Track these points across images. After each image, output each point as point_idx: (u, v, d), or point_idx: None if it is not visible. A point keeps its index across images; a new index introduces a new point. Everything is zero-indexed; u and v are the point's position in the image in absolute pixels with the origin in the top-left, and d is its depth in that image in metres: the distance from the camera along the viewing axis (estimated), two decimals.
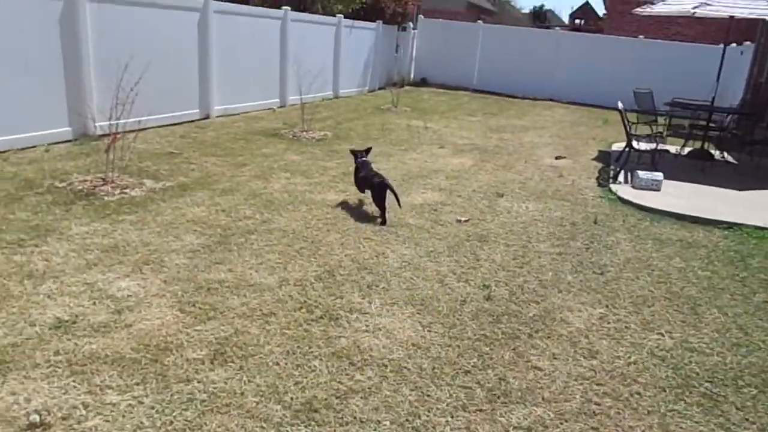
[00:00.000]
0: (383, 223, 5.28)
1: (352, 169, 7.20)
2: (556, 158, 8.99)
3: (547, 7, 65.47)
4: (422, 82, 19.54)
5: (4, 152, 6.72)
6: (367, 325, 3.51)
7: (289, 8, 12.42)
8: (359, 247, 4.72)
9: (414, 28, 19.48)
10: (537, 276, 4.46)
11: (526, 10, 64.67)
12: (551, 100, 17.73)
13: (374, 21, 16.79)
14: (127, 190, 5.80)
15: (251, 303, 3.66)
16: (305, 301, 3.74)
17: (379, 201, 5.37)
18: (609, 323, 3.81)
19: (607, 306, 4.05)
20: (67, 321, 3.29)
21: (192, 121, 9.80)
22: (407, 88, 18.41)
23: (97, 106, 7.97)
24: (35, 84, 7.14)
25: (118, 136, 5.96)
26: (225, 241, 4.63)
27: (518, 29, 23.77)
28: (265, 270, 4.16)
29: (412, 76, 19.85)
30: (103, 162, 6.07)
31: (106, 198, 5.50)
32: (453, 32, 19.59)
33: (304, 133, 9.43)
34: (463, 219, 5.59)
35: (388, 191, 5.36)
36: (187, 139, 8.43)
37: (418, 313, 3.72)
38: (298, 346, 3.23)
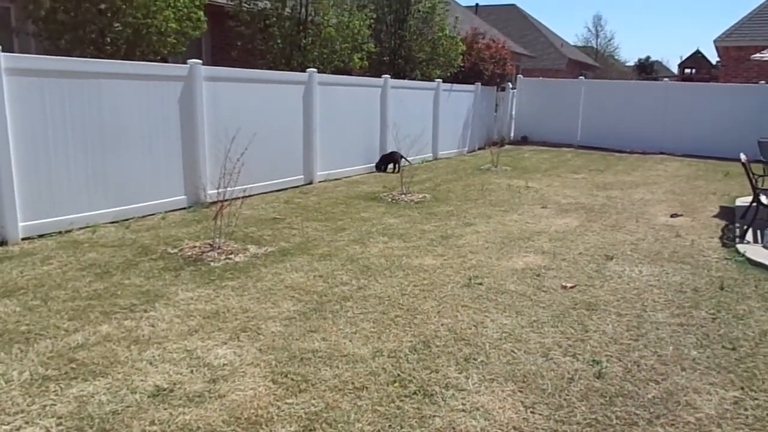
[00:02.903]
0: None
1: (450, 232, 7.10)
2: (672, 216, 8.34)
3: (654, 58, 63.14)
4: (523, 141, 19.28)
5: (127, 220, 7.26)
6: (463, 404, 3.27)
7: (389, 76, 12.80)
8: (456, 316, 4.52)
9: (513, 88, 19.42)
10: (655, 351, 4.02)
11: (631, 63, 62.78)
12: (662, 153, 16.78)
13: (473, 83, 16.92)
14: (232, 256, 6.00)
15: (344, 375, 3.55)
16: (399, 375, 3.58)
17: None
18: (746, 410, 3.31)
19: (742, 388, 3.54)
20: (165, 389, 3.34)
21: (296, 186, 10.18)
22: (507, 147, 18.22)
23: (209, 176, 8.51)
24: (157, 157, 7.73)
25: (225, 204, 6.22)
26: (320, 308, 4.60)
27: (622, 82, 23.05)
28: (359, 339, 4.06)
29: (512, 134, 19.66)
30: (212, 228, 6.37)
31: (212, 264, 5.72)
32: (553, 89, 19.32)
33: (403, 196, 9.47)
34: (568, 285, 5.23)
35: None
36: (290, 204, 8.71)
37: (519, 391, 3.43)
38: (390, 426, 3.05)
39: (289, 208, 8.41)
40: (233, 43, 12.32)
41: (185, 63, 8.15)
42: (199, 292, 4.89)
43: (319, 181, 10.78)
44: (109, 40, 8.17)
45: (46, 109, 6.45)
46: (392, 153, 12.20)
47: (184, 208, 8.12)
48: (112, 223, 7.13)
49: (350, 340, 4.04)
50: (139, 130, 7.51)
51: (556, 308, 4.72)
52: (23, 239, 6.30)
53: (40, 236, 6.43)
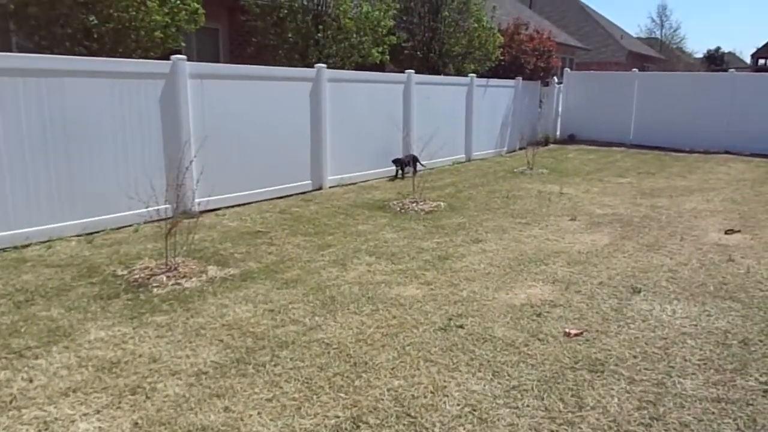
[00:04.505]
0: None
1: (452, 251, 6.07)
2: (727, 232, 6.98)
3: (725, 49, 58.94)
4: (569, 139, 17.79)
5: (96, 232, 6.59)
6: None
7: (413, 71, 11.76)
8: (414, 376, 3.50)
9: (559, 82, 17.94)
10: None
11: (700, 55, 58.88)
12: (727, 152, 15.01)
13: (513, 78, 15.63)
14: (183, 280, 5.18)
15: None
16: None
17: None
18: None
19: None
20: None
21: (303, 192, 9.34)
22: (552, 146, 16.84)
23: (196, 183, 7.75)
24: (133, 163, 7.01)
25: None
26: (246, 359, 3.68)
27: (681, 74, 21.10)
28: (270, 412, 3.11)
29: (558, 133, 18.19)
30: (185, 243, 5.58)
31: (155, 290, 4.91)
32: (603, 83, 17.72)
33: (414, 204, 8.45)
34: (573, 332, 4.10)
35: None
36: (285, 214, 7.86)
37: None
38: None
39: (281, 219, 7.55)
40: (250, 39, 11.60)
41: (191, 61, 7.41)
42: (114, 331, 4.07)
43: (330, 187, 9.89)
44: (95, 36, 7.52)
45: None
46: (402, 158, 11.02)
47: (166, 219, 7.37)
48: (78, 236, 6.46)
49: (259, 413, 3.09)
50: (111, 133, 6.82)
51: (548, 367, 3.62)
52: None
53: None
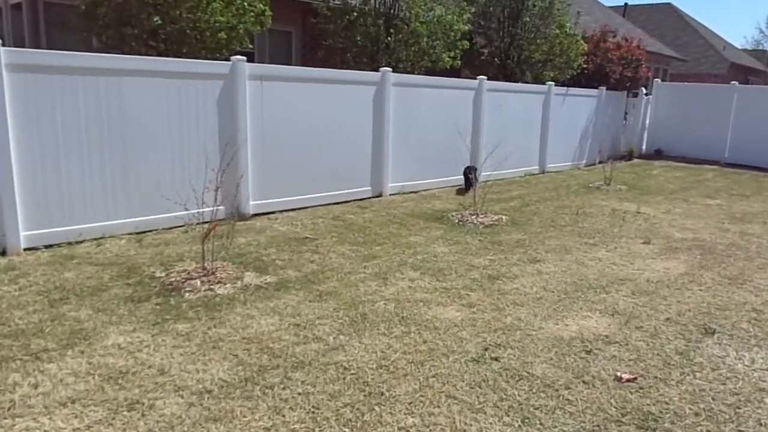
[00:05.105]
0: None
1: (504, 270, 5.62)
2: None
3: None
4: (656, 154, 16.60)
5: (149, 231, 6.63)
6: None
7: (485, 77, 11.29)
8: (431, 414, 3.12)
9: (647, 94, 16.80)
10: None
11: None
12: None
13: (597, 87, 14.77)
14: (217, 286, 5.04)
15: None
16: None
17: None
18: None
19: None
20: None
21: (362, 199, 9.11)
22: (636, 161, 15.79)
23: (251, 185, 7.69)
24: (188, 163, 7.01)
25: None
26: (256, 378, 3.44)
27: None
28: None
29: (644, 147, 17.03)
30: (226, 246, 5.49)
31: (186, 295, 4.79)
32: (697, 96, 16.39)
33: (474, 216, 8.00)
34: (625, 376, 3.57)
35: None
36: (337, 221, 7.64)
37: None
38: None
39: (332, 226, 7.34)
40: (321, 43, 11.57)
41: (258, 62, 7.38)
42: (132, 338, 3.95)
43: (391, 194, 9.60)
44: (162, 37, 7.65)
45: (56, 108, 5.93)
46: (472, 165, 10.46)
47: (221, 221, 7.34)
48: (130, 234, 6.51)
49: None
50: (167, 132, 6.84)
51: (589, 418, 3.13)
52: (26, 249, 5.83)
53: (48, 246, 5.94)
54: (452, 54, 11.36)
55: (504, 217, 8.15)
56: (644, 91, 16.61)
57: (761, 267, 6.09)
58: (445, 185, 10.57)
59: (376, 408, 3.17)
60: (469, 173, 10.14)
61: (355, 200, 8.97)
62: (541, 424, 3.06)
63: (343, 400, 3.24)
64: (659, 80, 17.31)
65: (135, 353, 3.72)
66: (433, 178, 10.43)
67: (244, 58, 7.48)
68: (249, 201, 7.72)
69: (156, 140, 6.74)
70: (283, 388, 3.34)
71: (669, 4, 38.81)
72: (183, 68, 6.97)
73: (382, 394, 3.32)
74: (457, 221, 7.83)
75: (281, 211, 7.98)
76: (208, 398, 3.22)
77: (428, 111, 10.12)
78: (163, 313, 4.40)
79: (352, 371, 3.57)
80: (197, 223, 6.87)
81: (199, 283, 5.06)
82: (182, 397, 3.23)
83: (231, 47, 8.24)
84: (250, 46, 9.17)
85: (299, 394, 3.29)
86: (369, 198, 9.26)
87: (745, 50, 48.46)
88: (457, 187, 10.49)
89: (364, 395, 3.30)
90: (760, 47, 55.16)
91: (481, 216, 8.05)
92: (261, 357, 3.73)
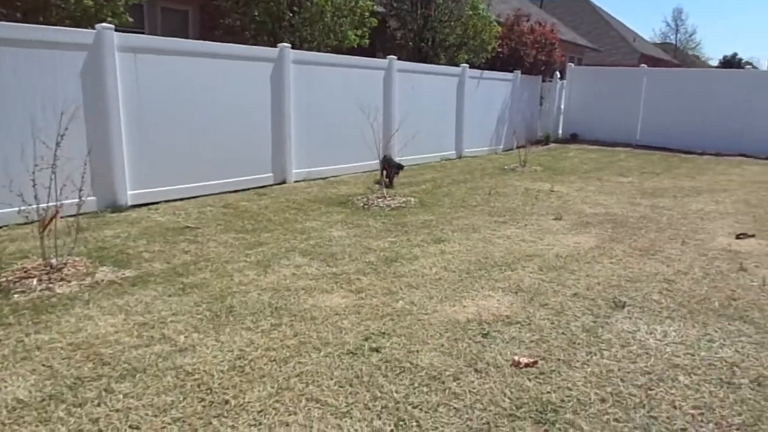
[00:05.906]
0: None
1: (404, 252, 5.04)
2: (738, 237, 5.88)
3: (742, 57, 57.12)
4: (572, 139, 16.63)
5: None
6: None
7: (395, 57, 10.74)
8: (282, 425, 2.47)
9: (562, 78, 16.82)
10: None
11: (715, 61, 57.28)
12: (742, 155, 13.80)
13: (511, 71, 14.57)
14: (59, 284, 4.19)
15: None
16: None
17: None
18: None
19: None
20: None
21: (263, 186, 8.33)
22: (552, 145, 15.74)
23: (129, 173, 6.79)
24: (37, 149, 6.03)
25: (55, 217, 4.44)
26: (61, 396, 2.67)
27: (693, 71, 19.97)
28: None
29: (559, 132, 17.04)
30: (97, 239, 4.63)
31: (15, 297, 3.93)
32: (609, 80, 16.53)
33: (381, 200, 7.42)
34: (524, 361, 3.05)
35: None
36: (228, 209, 6.86)
37: None
38: None
39: (220, 215, 6.56)
40: (219, 22, 10.69)
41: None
42: None
43: (296, 181, 8.88)
44: (18, 3, 6.61)
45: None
46: (387, 155, 9.46)
47: (94, 211, 6.39)
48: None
49: None
50: (21, 111, 5.85)
51: (477, 414, 2.57)
52: None
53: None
54: (359, 32, 10.75)
55: (413, 199, 7.61)
56: (559, 75, 16.61)
57: (672, 237, 5.82)
58: (358, 171, 9.94)
59: (214, 421, 2.49)
60: (390, 166, 9.08)
61: (254, 188, 8.20)
62: (418, 426, 2.47)
63: (173, 414, 2.53)
64: (572, 65, 17.36)
65: None
66: (342, 163, 9.77)
67: (112, 26, 6.56)
68: (126, 191, 6.81)
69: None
70: (98, 405, 2.60)
71: None
72: (38, 36, 5.98)
73: (227, 402, 2.64)
74: (362, 205, 7.23)
75: (167, 201, 7.11)
76: None
77: (335, 92, 9.46)
78: None
79: (196, 376, 2.86)
80: (62, 217, 5.96)
81: (35, 282, 4.20)
82: None
83: (103, 18, 7.27)
84: (131, 19, 8.19)
85: (116, 411, 2.56)
86: (270, 185, 8.51)
87: (654, 43, 50.65)
88: (367, 173, 9.87)
89: (203, 406, 2.61)
90: (668, 40, 57.89)
91: (389, 199, 7.48)
92: (83, 367, 2.96)
